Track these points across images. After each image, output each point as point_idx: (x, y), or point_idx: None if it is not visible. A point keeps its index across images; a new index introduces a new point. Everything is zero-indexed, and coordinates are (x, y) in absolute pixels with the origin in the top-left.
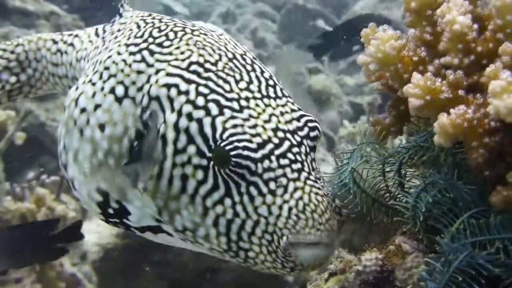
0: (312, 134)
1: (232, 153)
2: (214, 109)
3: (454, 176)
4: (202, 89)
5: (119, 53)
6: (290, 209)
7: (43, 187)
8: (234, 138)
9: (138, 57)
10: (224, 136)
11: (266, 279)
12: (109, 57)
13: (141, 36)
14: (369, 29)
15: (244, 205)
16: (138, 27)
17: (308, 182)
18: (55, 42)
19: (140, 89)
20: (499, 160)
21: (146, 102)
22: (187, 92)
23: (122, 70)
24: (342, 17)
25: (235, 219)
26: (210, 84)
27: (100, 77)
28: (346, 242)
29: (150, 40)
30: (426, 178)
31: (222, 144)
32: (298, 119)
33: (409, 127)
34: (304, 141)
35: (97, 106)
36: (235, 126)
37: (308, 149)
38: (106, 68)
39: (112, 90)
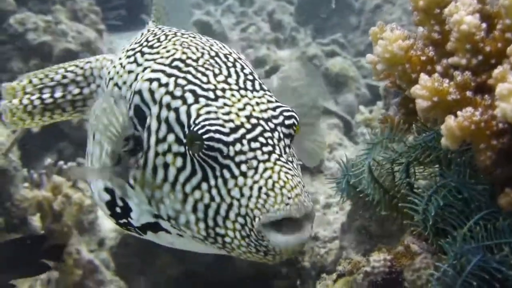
0: (287, 122)
1: (204, 136)
2: (190, 98)
3: (466, 176)
4: (180, 81)
5: (119, 59)
6: (260, 188)
7: (60, 173)
8: (207, 122)
9: (131, 59)
10: (197, 121)
11: (283, 265)
12: (114, 65)
13: (139, 42)
14: (377, 28)
15: (218, 189)
16: (141, 35)
17: (278, 162)
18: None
19: (129, 87)
20: (507, 162)
21: (131, 98)
22: (166, 85)
23: (118, 72)
24: None
25: (211, 204)
26: (189, 76)
27: (107, 85)
28: (362, 229)
29: (144, 43)
30: (436, 177)
31: (195, 129)
32: (273, 109)
33: (418, 126)
34: (278, 128)
35: (103, 110)
36: (208, 112)
37: (281, 135)
38: (110, 74)
39: (111, 93)
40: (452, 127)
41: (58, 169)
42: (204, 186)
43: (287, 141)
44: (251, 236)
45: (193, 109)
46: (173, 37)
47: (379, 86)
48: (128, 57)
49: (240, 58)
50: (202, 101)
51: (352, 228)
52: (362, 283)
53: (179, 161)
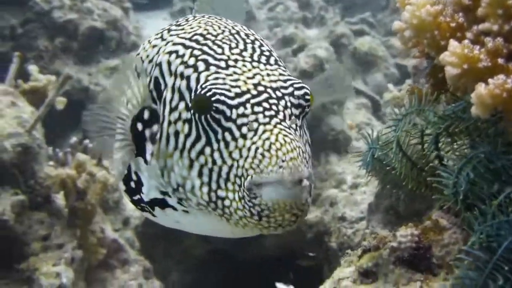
0: (296, 92)
1: (207, 97)
2: (201, 66)
3: (497, 146)
4: (195, 52)
5: (148, 40)
6: (256, 149)
7: (85, 152)
8: (213, 86)
9: (158, 35)
10: (204, 85)
11: (311, 244)
12: (143, 43)
13: (169, 24)
14: None
15: (220, 151)
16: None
17: (278, 125)
18: None
19: (151, 60)
20: None
21: (152, 70)
22: (182, 55)
23: (144, 48)
24: None
25: (214, 167)
26: (205, 48)
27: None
28: (390, 209)
29: (173, 24)
30: (466, 149)
31: (201, 91)
32: (284, 81)
33: (447, 96)
34: (286, 97)
35: (128, 87)
36: (216, 78)
37: (289, 104)
38: (137, 54)
39: (135, 68)
40: (482, 95)
41: (83, 147)
42: (207, 150)
43: (295, 111)
44: (245, 197)
45: (203, 75)
46: (201, 18)
47: (407, 66)
48: (157, 34)
49: (261, 40)
50: (213, 69)
51: (380, 208)
52: (388, 259)
53: (186, 128)
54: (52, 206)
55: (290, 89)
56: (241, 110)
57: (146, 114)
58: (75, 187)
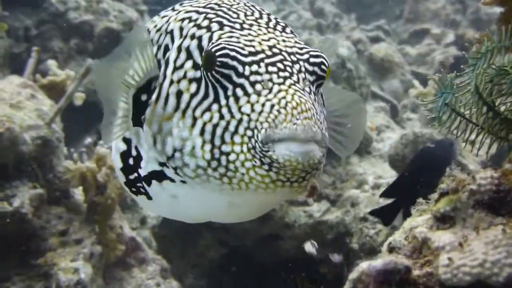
0: (312, 60)
1: (218, 53)
2: (215, 27)
3: None
4: (210, 15)
5: (158, 15)
6: (272, 106)
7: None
8: (225, 43)
9: (169, 8)
10: (217, 42)
11: (329, 245)
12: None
13: (180, 2)
14: None
15: (229, 107)
16: None
17: (293, 86)
18: None
19: (158, 29)
20: None
21: (162, 39)
22: (196, 20)
23: (153, 21)
24: None
25: (220, 122)
26: (219, 12)
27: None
28: None
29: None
30: None
31: (212, 47)
32: (300, 48)
33: None
34: (301, 63)
35: (135, 59)
36: (230, 36)
37: (303, 69)
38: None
39: (141, 39)
40: None
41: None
42: (215, 106)
43: (310, 77)
44: (257, 148)
45: (216, 34)
46: None
47: (424, 74)
48: (166, 10)
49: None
50: (227, 29)
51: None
52: (467, 202)
53: (193, 87)
54: (70, 200)
55: (306, 56)
56: (254, 67)
57: (153, 85)
58: (95, 181)
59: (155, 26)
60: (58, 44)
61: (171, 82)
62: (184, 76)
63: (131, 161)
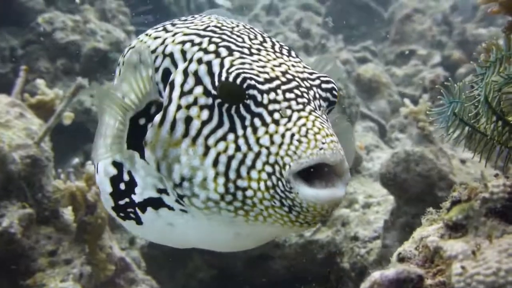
0: (324, 85)
1: (241, 84)
2: (224, 52)
3: None
4: (215, 39)
5: (144, 34)
6: (292, 135)
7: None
8: (241, 70)
9: (159, 29)
10: (231, 69)
11: (320, 265)
12: (138, 39)
13: (169, 21)
14: None
15: (246, 138)
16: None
17: (313, 113)
18: None
19: (153, 51)
20: None
21: (159, 62)
22: (200, 43)
23: (141, 40)
24: (389, 8)
25: (236, 154)
26: (224, 36)
27: (123, 55)
28: (406, 226)
29: (176, 20)
30: None
31: (230, 77)
32: (310, 73)
33: None
34: (314, 88)
35: (122, 80)
36: (243, 63)
37: (317, 96)
38: (130, 46)
39: (130, 60)
40: None
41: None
42: (231, 136)
43: (323, 103)
44: (278, 187)
45: (227, 60)
46: (207, 15)
47: (412, 94)
48: (155, 29)
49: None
50: (237, 54)
51: (396, 225)
52: (480, 211)
53: (205, 114)
54: (60, 220)
55: (317, 81)
56: (272, 95)
57: (152, 109)
58: (85, 201)
59: (148, 48)
60: (45, 65)
61: (179, 107)
62: (195, 102)
63: (122, 186)
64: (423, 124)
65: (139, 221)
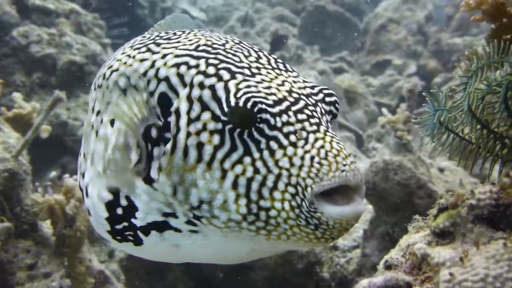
0: (327, 99)
1: (252, 108)
2: (225, 75)
3: None
4: (212, 61)
5: (123, 53)
6: (312, 158)
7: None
8: (250, 95)
9: (143, 49)
10: (239, 95)
11: (299, 275)
12: (113, 59)
13: (147, 38)
14: None
15: (264, 161)
16: (144, 36)
17: (328, 133)
18: None
19: (143, 74)
20: None
21: (153, 86)
22: (197, 66)
23: (125, 63)
24: (364, 19)
25: (255, 176)
26: (220, 56)
27: (104, 77)
28: (385, 235)
29: (157, 38)
30: None
31: (240, 102)
32: (311, 87)
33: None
34: (319, 104)
35: (108, 103)
36: (248, 86)
37: (323, 111)
38: (110, 67)
39: (116, 83)
40: None
41: (63, 182)
42: (247, 159)
43: (329, 118)
44: (302, 207)
45: (232, 84)
46: (190, 31)
47: (388, 104)
48: (137, 49)
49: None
50: (239, 77)
51: (375, 234)
52: (467, 217)
53: (216, 139)
54: (38, 233)
55: (321, 95)
56: (285, 118)
57: (153, 132)
58: (63, 214)
59: (136, 71)
60: (21, 78)
61: (188, 134)
62: (204, 128)
63: (119, 211)
64: (401, 133)
65: (138, 243)
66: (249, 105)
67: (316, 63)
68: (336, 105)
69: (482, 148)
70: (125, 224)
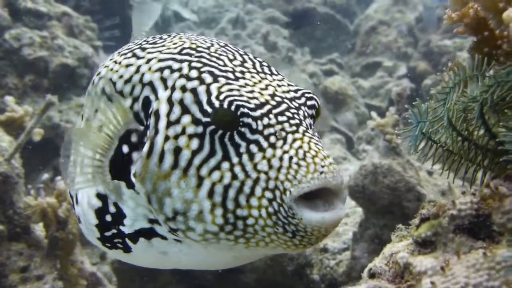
0: (309, 102)
1: (235, 111)
2: (208, 78)
3: None
4: (195, 64)
5: (111, 59)
6: (290, 158)
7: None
8: (232, 98)
9: (128, 55)
10: (221, 97)
11: (290, 277)
12: (102, 66)
13: (135, 43)
14: None
15: (243, 165)
16: (132, 43)
17: (307, 134)
18: None
19: (128, 80)
20: None
21: (138, 91)
22: (180, 69)
23: (111, 69)
24: (355, 20)
25: (232, 183)
26: (203, 60)
27: (93, 83)
28: (375, 237)
29: (143, 42)
30: None
31: (223, 104)
32: (295, 91)
33: (495, 69)
34: (302, 107)
35: (96, 111)
36: (231, 90)
37: (306, 114)
38: (98, 74)
39: (103, 90)
40: None
41: (55, 184)
42: (225, 165)
43: (310, 121)
44: (280, 213)
45: (214, 87)
46: (176, 35)
47: (378, 106)
48: (123, 54)
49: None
50: (222, 80)
51: (365, 236)
52: (448, 227)
53: (194, 143)
54: (31, 236)
55: (303, 99)
56: (266, 120)
57: (133, 138)
58: (56, 217)
59: (121, 77)
60: (13, 81)
61: (167, 137)
62: (183, 132)
63: (108, 218)
64: (390, 136)
65: (127, 250)
66: (232, 108)
67: (306, 65)
68: (317, 108)
69: (464, 159)
70: (114, 231)
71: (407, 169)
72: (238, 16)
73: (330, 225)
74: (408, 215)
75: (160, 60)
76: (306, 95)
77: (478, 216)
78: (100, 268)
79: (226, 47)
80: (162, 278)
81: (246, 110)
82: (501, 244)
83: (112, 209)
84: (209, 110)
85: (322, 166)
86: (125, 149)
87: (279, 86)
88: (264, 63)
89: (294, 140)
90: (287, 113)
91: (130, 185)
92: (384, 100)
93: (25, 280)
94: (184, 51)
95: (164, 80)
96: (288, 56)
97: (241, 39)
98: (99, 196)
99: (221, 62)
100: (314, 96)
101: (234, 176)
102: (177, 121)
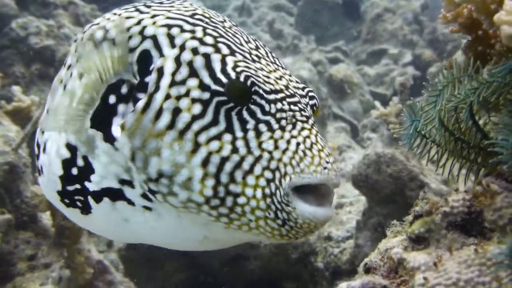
0: (311, 102)
1: (250, 88)
2: (224, 49)
3: None
4: (210, 31)
5: (110, 12)
6: (297, 144)
7: None
8: (249, 73)
9: (131, 9)
10: (238, 69)
11: (295, 264)
12: (103, 17)
13: (140, 3)
14: None
15: (247, 140)
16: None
17: (315, 128)
18: None
19: (126, 30)
20: None
21: (136, 43)
22: (192, 31)
23: (108, 19)
24: (361, 7)
25: (231, 156)
26: (219, 31)
27: (83, 31)
28: (378, 226)
29: (149, 2)
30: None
31: (240, 77)
32: (302, 88)
33: (489, 69)
34: (308, 107)
35: (79, 57)
36: (248, 67)
37: (310, 113)
38: (92, 24)
39: (91, 37)
40: None
41: None
42: (227, 137)
43: (312, 121)
44: (275, 196)
45: (230, 59)
46: (185, 0)
47: (383, 94)
48: (125, 9)
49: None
50: (240, 56)
51: (368, 225)
52: (441, 224)
53: (197, 108)
54: (38, 225)
55: (307, 99)
56: (279, 105)
57: (124, 89)
58: None
59: (117, 26)
60: (19, 69)
61: (167, 96)
62: (187, 94)
63: (74, 171)
64: (393, 126)
65: (86, 211)
66: (248, 83)
67: (312, 53)
68: (315, 108)
69: (457, 158)
70: (78, 186)
71: (410, 158)
72: (244, 4)
73: (321, 222)
74: (411, 204)
75: (169, 18)
76: (310, 94)
77: (470, 213)
78: (107, 256)
79: (240, 30)
80: (169, 265)
81: (261, 91)
82: (492, 241)
83: (80, 162)
84: (223, 79)
85: (327, 162)
86: (112, 99)
87: (291, 80)
88: (273, 54)
89: (303, 129)
90: (299, 105)
91: (109, 139)
92: (389, 88)
93: (33, 268)
94: (197, 17)
95: (171, 37)
96: (294, 43)
97: (247, 27)
98: (69, 146)
99: (237, 40)
100: (315, 95)
101: (235, 150)
102: (183, 82)
